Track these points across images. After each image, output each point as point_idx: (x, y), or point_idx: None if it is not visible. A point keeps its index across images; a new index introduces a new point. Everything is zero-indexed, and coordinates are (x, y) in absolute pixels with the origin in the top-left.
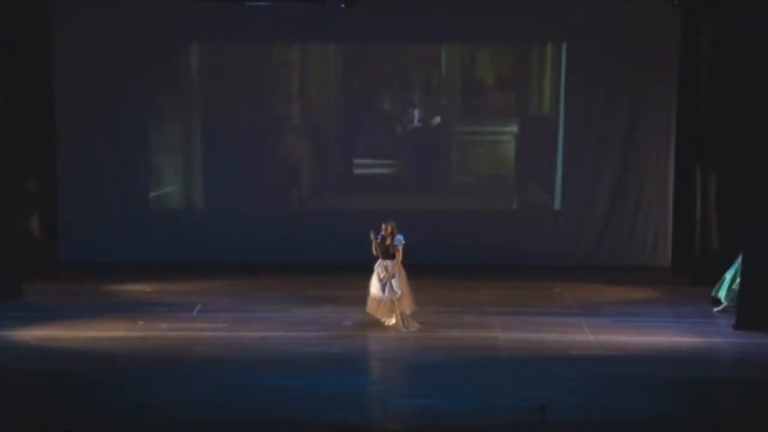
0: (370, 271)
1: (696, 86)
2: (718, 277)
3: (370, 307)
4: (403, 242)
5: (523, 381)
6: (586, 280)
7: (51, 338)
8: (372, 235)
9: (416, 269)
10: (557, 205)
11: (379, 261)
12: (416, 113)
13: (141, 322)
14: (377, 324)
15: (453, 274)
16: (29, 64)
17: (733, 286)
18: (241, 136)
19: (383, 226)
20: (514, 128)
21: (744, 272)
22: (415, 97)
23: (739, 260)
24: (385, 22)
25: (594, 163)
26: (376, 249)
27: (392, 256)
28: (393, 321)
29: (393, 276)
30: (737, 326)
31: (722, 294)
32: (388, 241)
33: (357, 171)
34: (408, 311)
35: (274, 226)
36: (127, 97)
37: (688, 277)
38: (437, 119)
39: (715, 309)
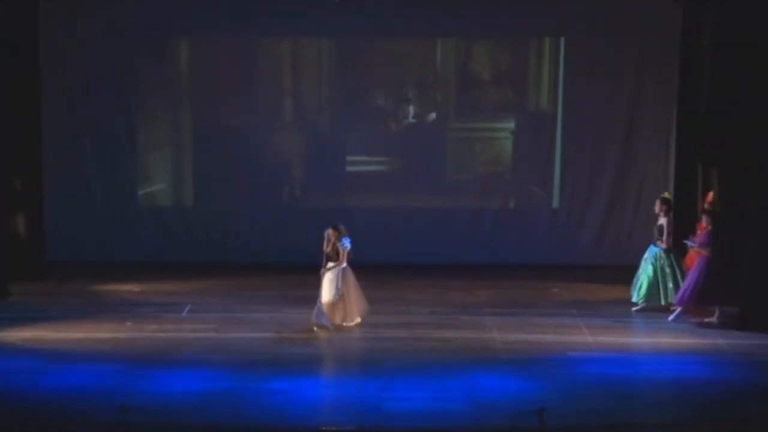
0: (365, 271)
1: (697, 82)
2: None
3: (329, 313)
4: (349, 247)
5: (521, 383)
6: (584, 279)
7: (38, 339)
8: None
9: (411, 269)
10: (555, 203)
11: (327, 265)
12: (411, 109)
13: (129, 323)
14: (370, 326)
15: (448, 274)
16: (14, 60)
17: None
18: (231, 133)
19: (330, 231)
20: (511, 124)
21: (746, 273)
22: (410, 93)
23: (646, 255)
24: (378, 16)
25: (593, 160)
26: (327, 249)
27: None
28: (357, 320)
29: (334, 276)
30: (739, 327)
31: (636, 295)
32: (335, 245)
33: (350, 168)
34: (342, 321)
35: (265, 225)
36: (115, 92)
37: None
38: (432, 115)
39: (633, 308)
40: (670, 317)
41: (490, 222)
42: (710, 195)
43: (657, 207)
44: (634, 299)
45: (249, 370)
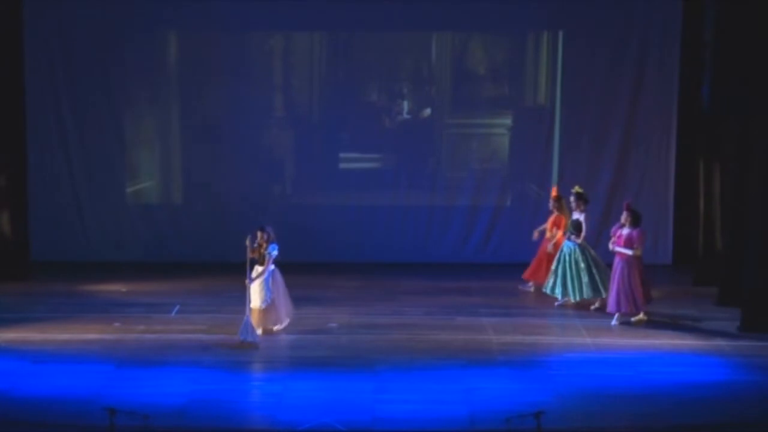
0: (358, 271)
1: (699, 76)
2: (722, 276)
3: (261, 319)
4: (276, 254)
5: (518, 385)
6: None
7: (22, 340)
8: (248, 242)
9: (406, 268)
10: None
11: (255, 268)
12: (405, 105)
13: (116, 324)
14: (364, 326)
15: (444, 274)
16: None
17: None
18: (221, 129)
19: (259, 234)
20: (508, 120)
21: (749, 273)
22: (404, 88)
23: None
24: (372, 9)
25: (591, 157)
26: (252, 254)
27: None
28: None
29: (264, 282)
30: (741, 328)
31: (558, 291)
32: (264, 249)
33: (343, 165)
34: (274, 325)
35: (255, 223)
36: (102, 88)
37: (690, 276)
38: (427, 111)
39: (556, 303)
40: (613, 321)
41: (487, 220)
42: (555, 189)
43: (573, 203)
44: (556, 294)
45: (239, 372)
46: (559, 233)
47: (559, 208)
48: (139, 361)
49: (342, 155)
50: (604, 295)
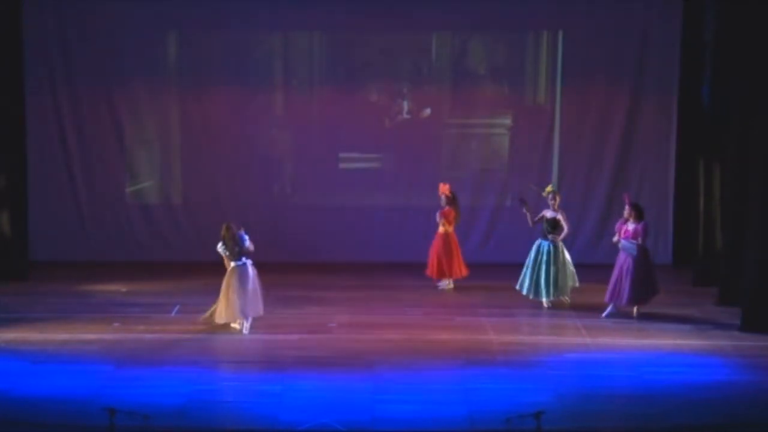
0: (358, 270)
1: (699, 75)
2: (722, 276)
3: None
4: (220, 249)
5: (517, 386)
6: (583, 279)
7: (22, 341)
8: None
9: (406, 268)
10: None
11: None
12: (405, 105)
13: (116, 324)
14: (364, 326)
15: None
16: None
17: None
18: (220, 128)
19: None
20: (507, 120)
21: (749, 273)
22: (404, 88)
23: (540, 252)
24: (372, 9)
25: (591, 156)
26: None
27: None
28: (235, 325)
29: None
30: (741, 328)
31: (529, 292)
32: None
33: (343, 165)
34: (222, 321)
35: (255, 223)
36: (101, 88)
37: (690, 277)
38: (427, 111)
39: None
40: (605, 313)
41: (486, 220)
42: (446, 186)
43: (551, 200)
44: (547, 299)
45: (239, 372)
46: (449, 226)
47: (449, 203)
48: (139, 361)
49: (342, 155)
50: (552, 297)
